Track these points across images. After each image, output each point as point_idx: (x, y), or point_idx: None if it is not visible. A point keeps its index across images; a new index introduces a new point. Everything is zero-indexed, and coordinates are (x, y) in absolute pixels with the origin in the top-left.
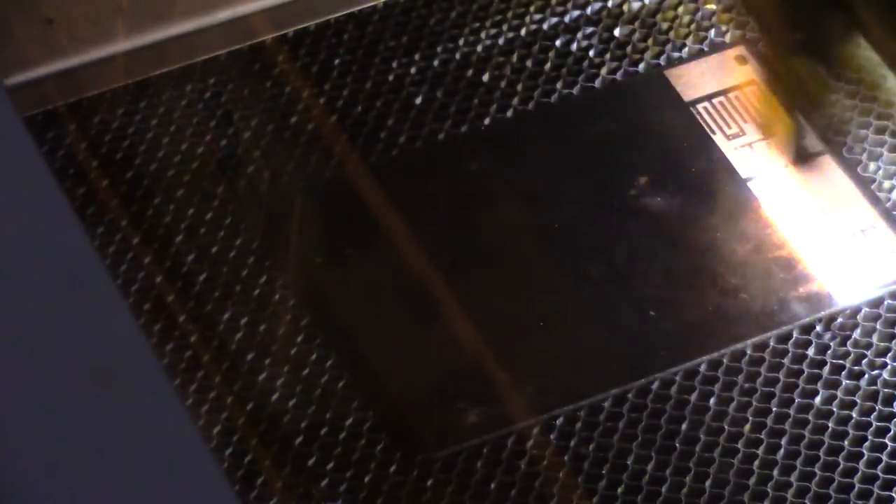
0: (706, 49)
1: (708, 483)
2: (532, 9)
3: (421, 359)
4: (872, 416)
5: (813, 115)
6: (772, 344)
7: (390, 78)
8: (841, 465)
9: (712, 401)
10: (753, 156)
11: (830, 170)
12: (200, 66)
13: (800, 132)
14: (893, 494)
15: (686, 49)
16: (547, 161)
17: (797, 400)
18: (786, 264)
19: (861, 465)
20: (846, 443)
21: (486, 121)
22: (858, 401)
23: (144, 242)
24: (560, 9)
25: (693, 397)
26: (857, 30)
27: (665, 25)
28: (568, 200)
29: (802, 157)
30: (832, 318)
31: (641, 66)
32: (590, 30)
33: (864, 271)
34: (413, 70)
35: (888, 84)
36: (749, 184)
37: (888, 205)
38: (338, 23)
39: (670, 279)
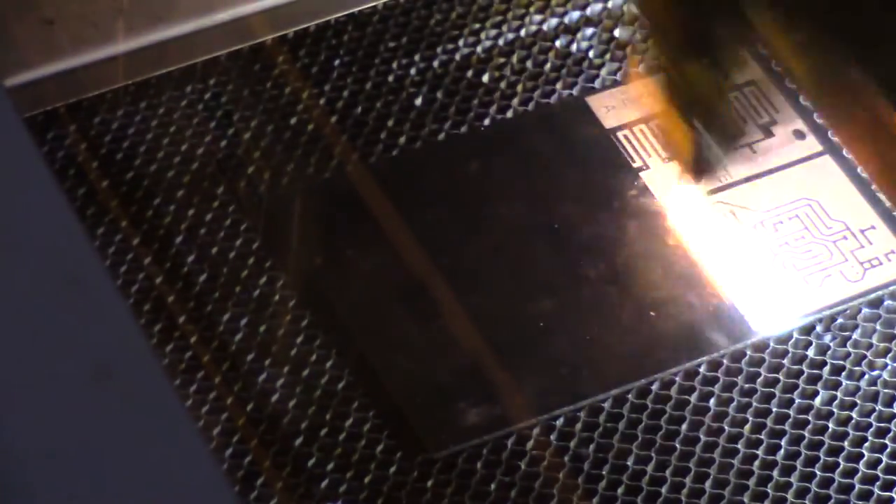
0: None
1: (708, 483)
2: (532, 10)
3: (421, 359)
4: (872, 417)
5: (709, 123)
6: (771, 344)
7: (390, 79)
8: (841, 466)
9: (712, 401)
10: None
11: (830, 170)
12: (200, 67)
13: (698, 140)
14: (893, 495)
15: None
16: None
17: (797, 400)
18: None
19: (861, 466)
20: (846, 443)
21: (486, 121)
22: (858, 401)
23: (144, 243)
24: (560, 9)
25: (693, 398)
26: (750, 36)
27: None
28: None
29: (706, 170)
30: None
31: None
32: (590, 30)
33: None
34: (413, 71)
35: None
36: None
37: (888, 205)
38: (338, 24)
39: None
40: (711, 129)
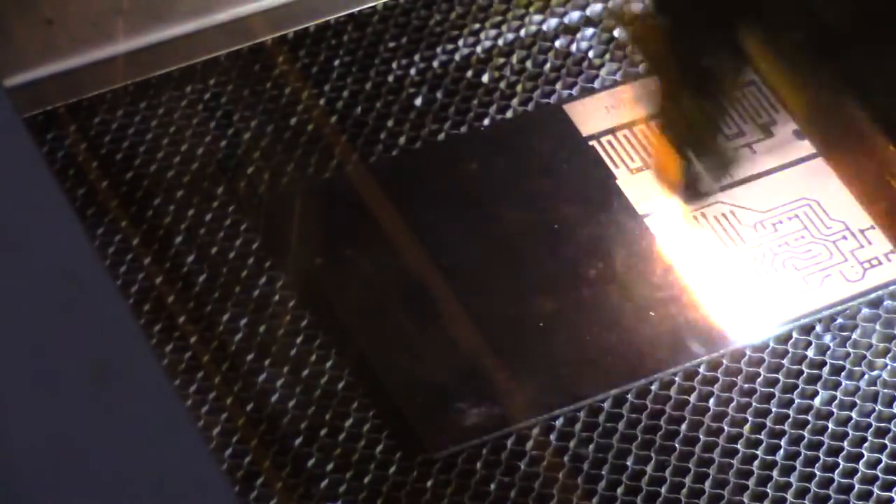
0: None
1: (707, 483)
2: (532, 10)
3: (421, 359)
4: (872, 417)
5: (702, 155)
6: (771, 344)
7: (390, 79)
8: (840, 466)
9: (712, 401)
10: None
11: (826, 173)
12: (200, 68)
13: (691, 171)
14: (893, 495)
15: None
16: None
17: (797, 400)
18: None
19: (861, 466)
20: (846, 443)
21: (486, 121)
22: (858, 401)
23: (144, 243)
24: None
25: (692, 398)
26: (749, 66)
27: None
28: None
29: (694, 195)
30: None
31: (575, 90)
32: (590, 31)
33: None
34: (413, 71)
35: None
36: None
37: (884, 205)
38: (337, 24)
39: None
40: (706, 162)
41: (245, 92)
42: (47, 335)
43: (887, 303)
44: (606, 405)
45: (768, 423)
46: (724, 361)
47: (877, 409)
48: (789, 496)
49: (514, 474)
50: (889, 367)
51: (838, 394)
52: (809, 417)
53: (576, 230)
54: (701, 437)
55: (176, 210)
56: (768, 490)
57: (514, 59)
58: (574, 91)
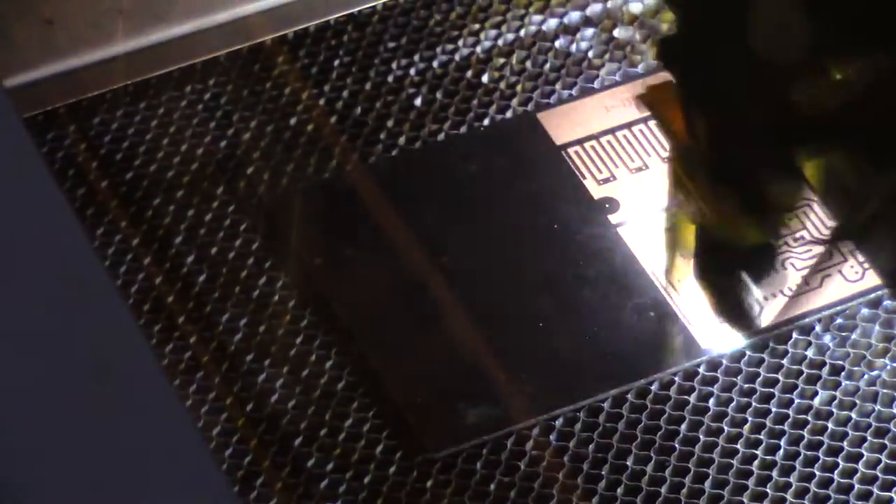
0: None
1: (707, 484)
2: (532, 10)
3: (421, 359)
4: (872, 417)
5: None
6: (770, 344)
7: (390, 79)
8: (840, 466)
9: (711, 401)
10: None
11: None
12: (200, 68)
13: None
14: (893, 495)
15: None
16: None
17: (796, 400)
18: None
19: (860, 466)
20: (845, 443)
21: (486, 121)
22: (858, 402)
23: (144, 243)
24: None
25: (692, 398)
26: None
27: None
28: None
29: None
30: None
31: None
32: (590, 31)
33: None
34: (412, 71)
35: None
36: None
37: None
38: (337, 24)
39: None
40: (758, 280)
41: (245, 92)
42: (47, 335)
43: (887, 303)
44: (606, 405)
45: (768, 423)
46: (724, 361)
47: (876, 409)
48: (789, 496)
49: (514, 474)
50: (888, 367)
51: (838, 394)
52: (809, 417)
53: (577, 231)
54: (701, 437)
55: (176, 210)
56: (768, 490)
57: (514, 59)
58: (574, 91)
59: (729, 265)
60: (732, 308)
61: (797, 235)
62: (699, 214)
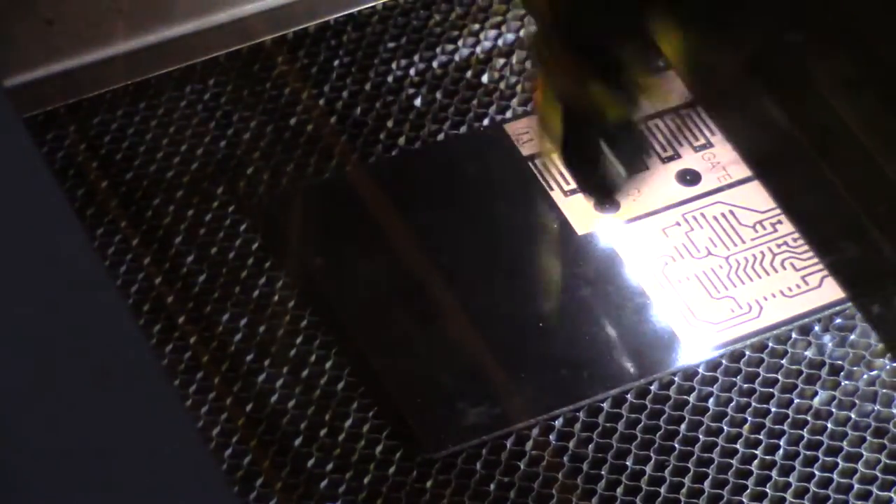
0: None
1: (707, 483)
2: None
3: (421, 359)
4: (871, 417)
5: (616, 147)
6: (770, 344)
7: (390, 79)
8: (840, 466)
9: (711, 401)
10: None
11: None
12: (200, 68)
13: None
14: (892, 495)
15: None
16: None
17: (796, 400)
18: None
19: (860, 466)
20: (845, 443)
21: (486, 122)
22: (857, 401)
23: (144, 243)
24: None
25: (692, 398)
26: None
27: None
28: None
29: (607, 188)
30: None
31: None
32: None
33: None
34: (412, 71)
35: None
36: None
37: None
38: (337, 24)
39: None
40: (618, 153)
41: (245, 92)
42: (47, 336)
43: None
44: (606, 405)
45: (767, 423)
46: (724, 362)
47: (876, 409)
48: (788, 496)
49: (513, 474)
50: (888, 368)
51: (837, 394)
52: (808, 417)
53: (576, 229)
54: (700, 437)
55: (176, 210)
56: (767, 490)
57: (514, 59)
58: None
59: (589, 139)
60: (595, 182)
61: (797, 236)
62: (561, 91)
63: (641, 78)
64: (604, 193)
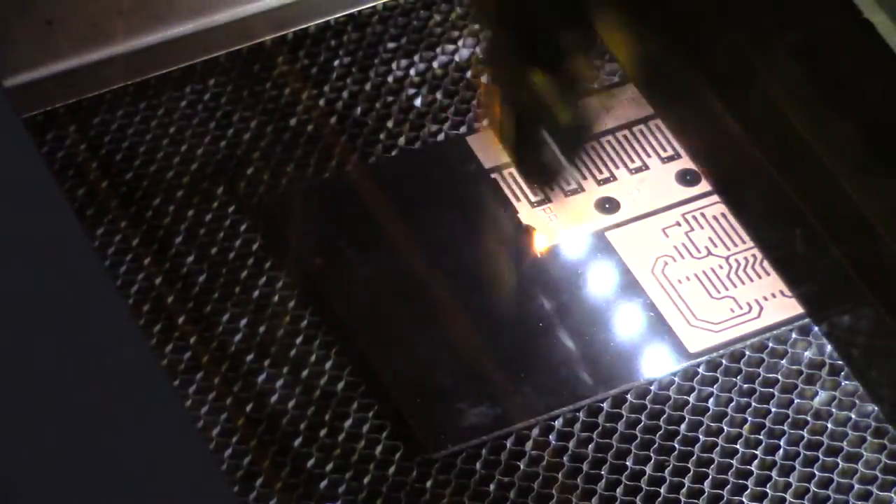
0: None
1: (707, 483)
2: None
3: (421, 359)
4: (871, 417)
5: (555, 132)
6: (770, 344)
7: (390, 79)
8: (840, 466)
9: (711, 401)
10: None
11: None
12: (200, 68)
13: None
14: (892, 495)
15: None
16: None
17: (796, 400)
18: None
19: (860, 466)
20: (845, 443)
21: (485, 122)
22: (857, 402)
23: (144, 243)
24: None
25: (692, 398)
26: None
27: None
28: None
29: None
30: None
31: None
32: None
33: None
34: (412, 72)
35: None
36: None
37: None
38: (337, 24)
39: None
40: (557, 138)
41: (245, 92)
42: (47, 335)
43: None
44: (606, 405)
45: (768, 423)
46: (724, 362)
47: (876, 409)
48: (789, 496)
49: (513, 474)
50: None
51: (837, 394)
52: (809, 418)
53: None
54: (700, 437)
55: (176, 210)
56: (768, 490)
57: None
58: None
59: (535, 129)
60: (537, 169)
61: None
62: (511, 94)
63: (584, 67)
64: (545, 180)
